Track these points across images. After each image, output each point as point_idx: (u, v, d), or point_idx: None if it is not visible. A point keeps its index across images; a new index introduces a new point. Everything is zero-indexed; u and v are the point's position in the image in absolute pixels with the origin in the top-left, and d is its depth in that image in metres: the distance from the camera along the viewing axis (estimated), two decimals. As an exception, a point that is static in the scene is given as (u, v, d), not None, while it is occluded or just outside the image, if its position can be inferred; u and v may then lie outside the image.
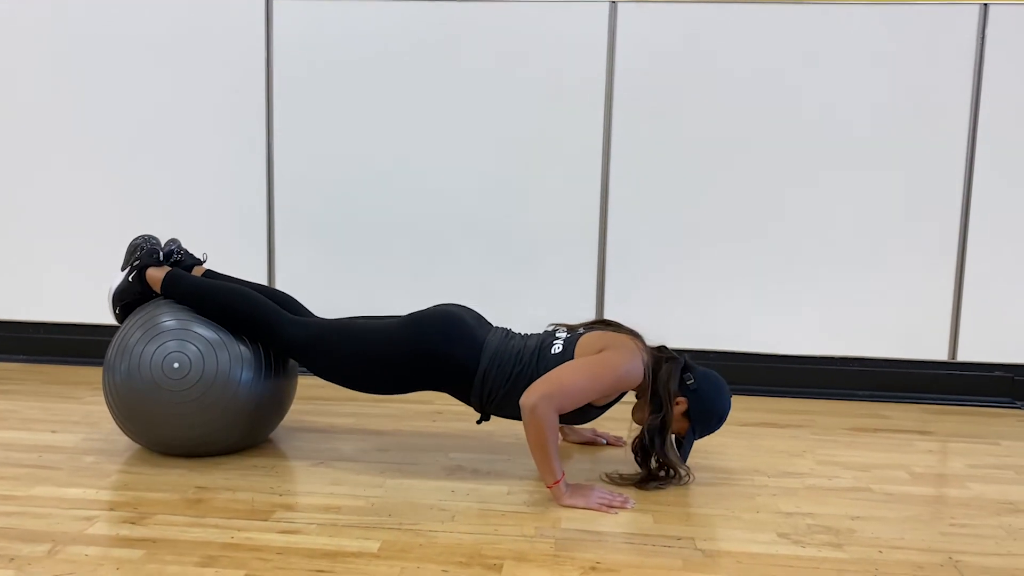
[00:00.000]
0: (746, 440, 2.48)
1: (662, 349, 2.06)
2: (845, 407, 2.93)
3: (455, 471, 2.14)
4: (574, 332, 2.09)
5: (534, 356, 2.02)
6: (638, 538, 1.75)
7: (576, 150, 3.06)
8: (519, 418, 1.96)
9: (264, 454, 2.24)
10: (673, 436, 2.03)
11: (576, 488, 1.94)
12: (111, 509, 1.83)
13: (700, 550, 1.69)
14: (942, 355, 3.03)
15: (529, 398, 1.87)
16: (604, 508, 1.89)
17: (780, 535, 1.78)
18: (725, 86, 2.98)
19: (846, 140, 2.97)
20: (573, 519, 1.84)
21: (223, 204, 3.19)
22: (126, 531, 1.71)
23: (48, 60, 3.19)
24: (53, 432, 2.38)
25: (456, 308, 2.15)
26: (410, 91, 3.10)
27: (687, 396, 1.99)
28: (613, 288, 3.11)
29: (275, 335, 2.12)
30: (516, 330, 2.18)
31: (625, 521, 1.84)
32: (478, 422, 2.17)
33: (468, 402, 2.10)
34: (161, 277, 2.16)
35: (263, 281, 3.19)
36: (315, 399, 2.80)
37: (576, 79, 3.02)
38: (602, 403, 2.01)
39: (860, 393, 3.04)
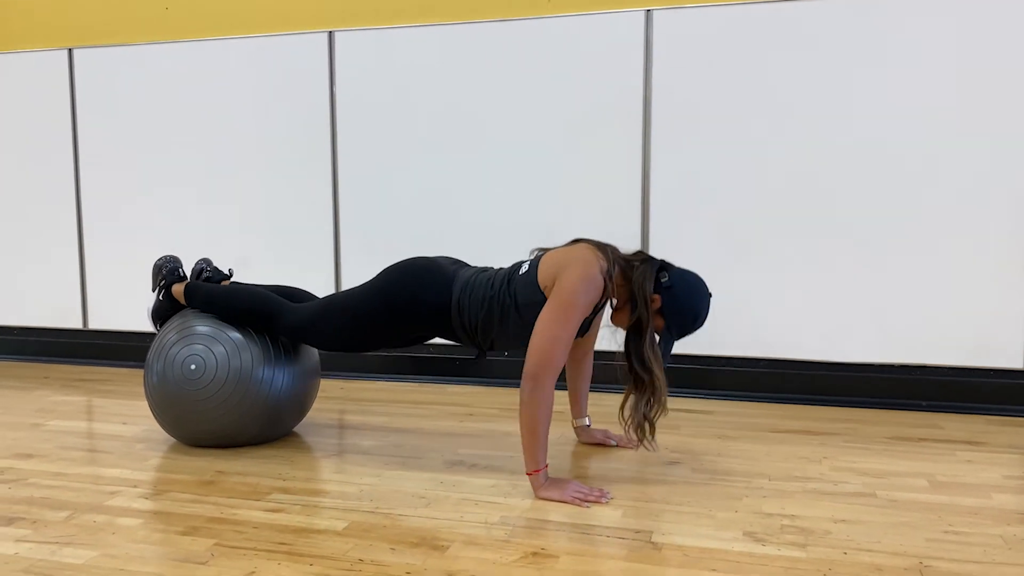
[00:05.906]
0: (769, 446, 2.40)
1: (639, 254, 2.10)
2: (898, 416, 2.75)
3: (454, 465, 2.23)
4: (543, 252, 2.15)
5: (504, 280, 2.12)
6: (597, 529, 1.77)
7: (613, 160, 3.08)
8: (513, 347, 2.10)
9: (289, 446, 2.42)
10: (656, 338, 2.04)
11: (554, 481, 1.98)
12: (134, 487, 2.06)
13: (652, 543, 1.69)
14: (1016, 363, 2.79)
15: (528, 379, 1.94)
16: (577, 501, 1.91)
17: (746, 533, 1.74)
18: (765, 84, 2.92)
19: (901, 140, 2.82)
20: (544, 511, 1.88)
21: (295, 221, 3.46)
22: (137, 504, 1.93)
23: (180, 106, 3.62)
24: (123, 424, 2.68)
25: (428, 257, 2.27)
26: (455, 113, 3.25)
27: (661, 294, 2.02)
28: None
29: (277, 323, 2.31)
30: None
31: (593, 514, 1.86)
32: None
33: (458, 339, 2.21)
34: (182, 290, 2.42)
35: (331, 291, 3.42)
36: (360, 400, 2.98)
37: (614, 90, 3.06)
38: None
39: (922, 404, 2.85)
